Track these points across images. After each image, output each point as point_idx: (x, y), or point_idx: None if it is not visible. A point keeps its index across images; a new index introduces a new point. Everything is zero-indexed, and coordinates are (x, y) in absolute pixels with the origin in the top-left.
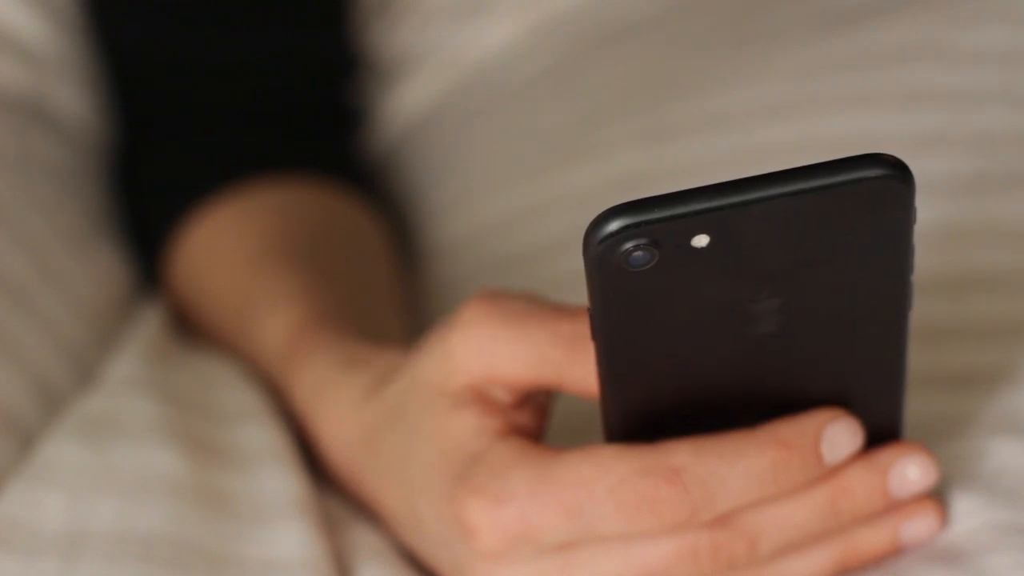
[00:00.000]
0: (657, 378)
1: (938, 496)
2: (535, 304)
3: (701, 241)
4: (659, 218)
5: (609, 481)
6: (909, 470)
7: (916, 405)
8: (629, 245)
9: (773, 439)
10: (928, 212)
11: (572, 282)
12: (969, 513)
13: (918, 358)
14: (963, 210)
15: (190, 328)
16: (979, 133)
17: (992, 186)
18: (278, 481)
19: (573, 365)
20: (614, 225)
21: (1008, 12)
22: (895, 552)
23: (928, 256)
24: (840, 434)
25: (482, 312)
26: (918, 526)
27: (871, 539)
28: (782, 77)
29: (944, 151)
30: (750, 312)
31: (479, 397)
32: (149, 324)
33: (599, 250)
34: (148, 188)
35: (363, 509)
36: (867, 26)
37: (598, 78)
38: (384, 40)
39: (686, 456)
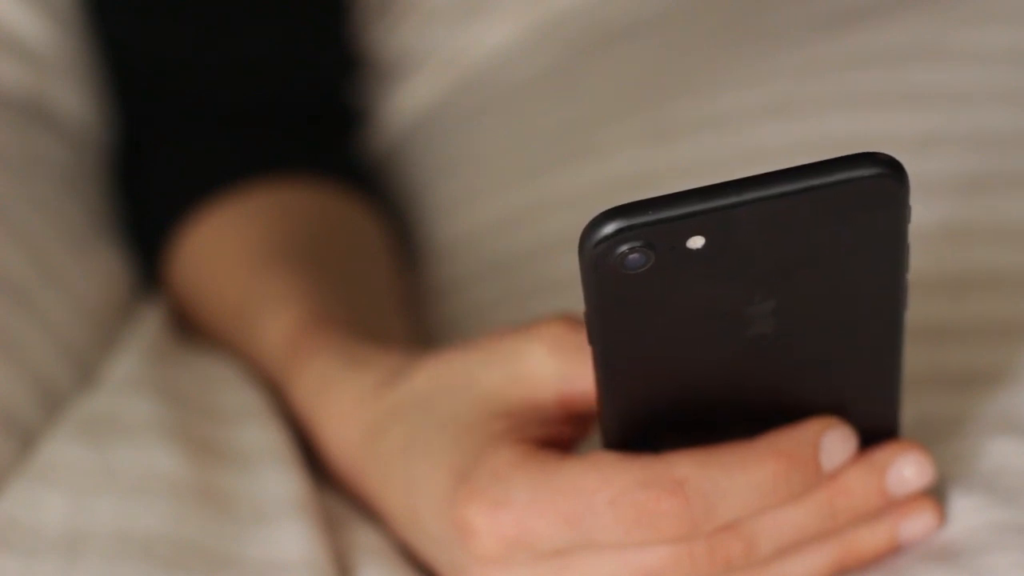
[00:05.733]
0: (654, 381)
1: (937, 495)
2: None
3: (696, 243)
4: (654, 220)
5: (610, 492)
6: (906, 469)
7: (916, 405)
8: (624, 248)
9: (774, 451)
10: (928, 212)
11: (572, 282)
12: (968, 512)
13: (918, 358)
14: (963, 210)
15: (190, 328)
16: (979, 133)
17: (992, 186)
18: (278, 481)
19: None
20: (609, 228)
21: (1008, 12)
22: (894, 550)
23: (928, 256)
24: (836, 442)
25: (565, 328)
26: (916, 524)
27: (869, 538)
28: (782, 77)
29: (944, 151)
30: (746, 313)
31: (525, 412)
32: (149, 324)
33: (594, 253)
34: (149, 188)
35: (364, 508)
36: (867, 26)
37: (598, 78)
38: (384, 40)
39: (688, 468)
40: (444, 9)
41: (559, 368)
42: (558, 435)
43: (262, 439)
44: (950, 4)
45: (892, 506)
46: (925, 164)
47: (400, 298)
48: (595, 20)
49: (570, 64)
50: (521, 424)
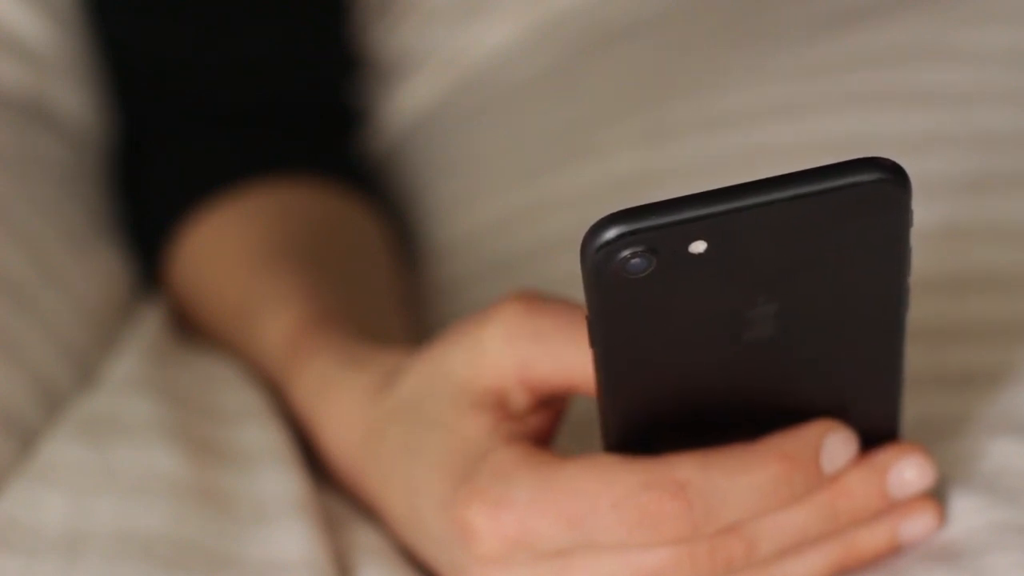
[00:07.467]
0: (655, 384)
1: (938, 495)
2: (575, 308)
3: (698, 247)
4: (656, 225)
5: (613, 494)
6: (907, 471)
7: (916, 405)
8: (627, 252)
9: (776, 453)
10: (928, 212)
11: (572, 282)
12: (969, 512)
13: (918, 358)
14: (963, 210)
15: (190, 328)
16: (979, 133)
17: (992, 186)
18: (278, 481)
19: None
20: (611, 233)
21: (1008, 12)
22: (894, 551)
23: (928, 256)
24: (837, 445)
25: (521, 310)
26: (916, 525)
27: (870, 539)
28: (782, 77)
29: (944, 151)
30: (748, 317)
31: (499, 403)
32: (149, 324)
33: (597, 258)
34: (149, 188)
35: (364, 508)
36: (867, 26)
37: (598, 78)
38: (384, 40)
39: (690, 470)
40: (444, 9)
41: (516, 354)
42: (533, 429)
43: (262, 439)
44: (950, 4)
45: (893, 507)
46: (925, 164)
47: (400, 298)
48: (595, 20)
49: (570, 64)
50: (502, 418)
